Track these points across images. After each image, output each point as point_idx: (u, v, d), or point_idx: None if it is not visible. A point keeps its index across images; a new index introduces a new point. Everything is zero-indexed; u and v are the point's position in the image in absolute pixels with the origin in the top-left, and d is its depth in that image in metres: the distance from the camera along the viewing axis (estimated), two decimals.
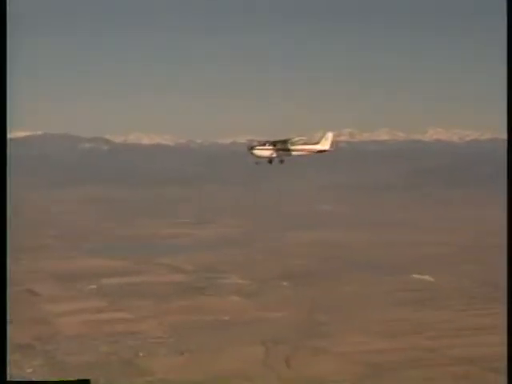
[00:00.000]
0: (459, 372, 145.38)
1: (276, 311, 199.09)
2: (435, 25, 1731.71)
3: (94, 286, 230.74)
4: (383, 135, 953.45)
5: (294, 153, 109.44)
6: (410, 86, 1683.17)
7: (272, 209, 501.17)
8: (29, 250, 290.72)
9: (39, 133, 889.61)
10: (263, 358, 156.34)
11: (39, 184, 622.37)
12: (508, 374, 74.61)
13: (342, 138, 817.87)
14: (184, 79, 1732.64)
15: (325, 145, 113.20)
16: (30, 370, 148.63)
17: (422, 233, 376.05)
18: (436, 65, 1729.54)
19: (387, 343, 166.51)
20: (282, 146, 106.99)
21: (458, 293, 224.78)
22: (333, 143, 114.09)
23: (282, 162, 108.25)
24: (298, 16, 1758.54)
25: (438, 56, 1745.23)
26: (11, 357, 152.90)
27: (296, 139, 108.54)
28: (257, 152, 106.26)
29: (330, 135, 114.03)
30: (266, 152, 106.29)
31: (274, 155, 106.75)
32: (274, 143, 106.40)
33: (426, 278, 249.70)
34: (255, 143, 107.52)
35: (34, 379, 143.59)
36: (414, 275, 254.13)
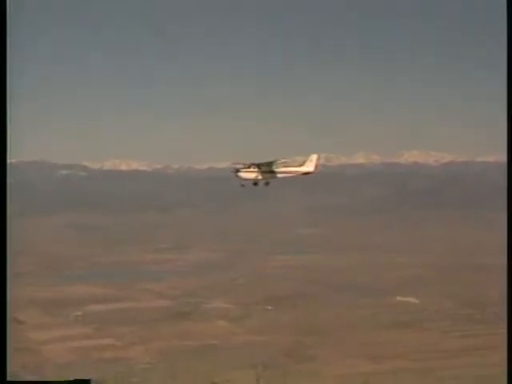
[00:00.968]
0: None
1: (263, 335, 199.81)
2: (409, 47, 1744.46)
3: (79, 313, 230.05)
4: (360, 159, 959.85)
5: (279, 175, 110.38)
6: (385, 110, 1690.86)
7: (250, 233, 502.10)
8: (9, 278, 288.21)
9: (13, 161, 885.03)
10: (254, 382, 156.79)
11: (16, 212, 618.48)
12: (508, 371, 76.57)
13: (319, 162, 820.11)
14: (158, 104, 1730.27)
15: (309, 166, 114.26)
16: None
17: (401, 255, 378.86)
18: (411, 88, 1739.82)
19: (376, 365, 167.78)
20: (267, 169, 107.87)
21: (442, 314, 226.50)
22: (317, 165, 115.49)
23: (267, 184, 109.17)
24: (270, 38, 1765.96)
25: (412, 79, 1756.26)
26: None
27: (281, 161, 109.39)
28: (242, 174, 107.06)
29: (314, 157, 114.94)
30: (251, 174, 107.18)
31: (260, 177, 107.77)
32: (258, 165, 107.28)
33: (411, 299, 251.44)
34: (240, 166, 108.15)
35: None
36: (397, 297, 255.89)
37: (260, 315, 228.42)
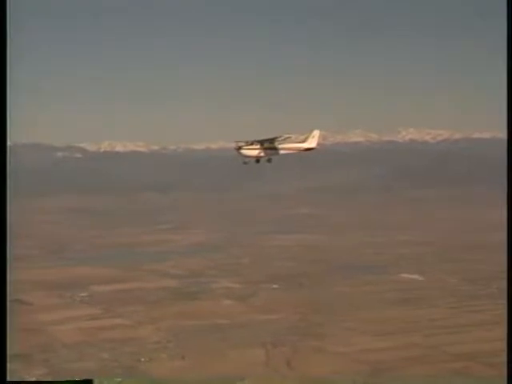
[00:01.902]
0: (460, 368, 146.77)
1: (270, 314, 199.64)
2: (410, 25, 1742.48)
3: (85, 294, 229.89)
4: (356, 137, 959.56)
5: (281, 151, 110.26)
6: (383, 86, 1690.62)
7: (249, 213, 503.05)
8: (11, 260, 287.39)
9: (9, 143, 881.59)
10: (265, 359, 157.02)
11: (13, 195, 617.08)
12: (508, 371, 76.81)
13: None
14: (155, 85, 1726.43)
15: (311, 143, 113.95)
16: (32, 379, 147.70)
17: (401, 233, 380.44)
18: (408, 64, 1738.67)
19: (386, 342, 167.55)
20: (269, 145, 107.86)
21: (447, 291, 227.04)
22: (319, 141, 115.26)
23: (269, 161, 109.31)
24: (270, 20, 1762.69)
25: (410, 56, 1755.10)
26: (10, 366, 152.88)
27: (283, 138, 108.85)
28: (245, 152, 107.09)
29: (316, 133, 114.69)
30: (253, 151, 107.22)
31: (262, 154, 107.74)
32: (261, 142, 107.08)
33: (415, 277, 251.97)
34: (242, 143, 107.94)
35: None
36: (402, 275, 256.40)
37: (266, 294, 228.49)
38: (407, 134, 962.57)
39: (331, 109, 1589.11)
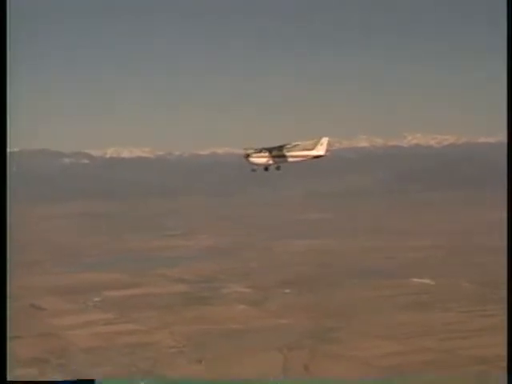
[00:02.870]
0: (475, 372, 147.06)
1: (284, 318, 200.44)
2: (411, 29, 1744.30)
3: (98, 299, 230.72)
4: (362, 142, 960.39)
5: (290, 159, 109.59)
6: (387, 92, 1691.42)
7: (257, 218, 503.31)
8: (22, 266, 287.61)
9: (16, 150, 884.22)
10: (282, 363, 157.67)
11: (21, 201, 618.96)
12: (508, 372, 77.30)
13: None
14: (159, 91, 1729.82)
15: (320, 150, 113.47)
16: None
17: (410, 237, 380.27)
18: (412, 70, 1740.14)
19: (400, 346, 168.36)
20: (277, 153, 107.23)
21: (459, 294, 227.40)
22: (327, 148, 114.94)
23: (278, 168, 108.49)
24: (271, 28, 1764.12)
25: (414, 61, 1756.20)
26: (26, 371, 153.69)
27: (292, 145, 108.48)
28: (253, 159, 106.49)
29: (324, 140, 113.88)
30: (262, 159, 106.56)
31: (271, 162, 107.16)
32: (269, 150, 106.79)
33: (426, 281, 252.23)
34: (251, 151, 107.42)
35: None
36: (413, 279, 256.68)
37: (279, 299, 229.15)
38: (413, 139, 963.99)
39: (337, 114, 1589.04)
